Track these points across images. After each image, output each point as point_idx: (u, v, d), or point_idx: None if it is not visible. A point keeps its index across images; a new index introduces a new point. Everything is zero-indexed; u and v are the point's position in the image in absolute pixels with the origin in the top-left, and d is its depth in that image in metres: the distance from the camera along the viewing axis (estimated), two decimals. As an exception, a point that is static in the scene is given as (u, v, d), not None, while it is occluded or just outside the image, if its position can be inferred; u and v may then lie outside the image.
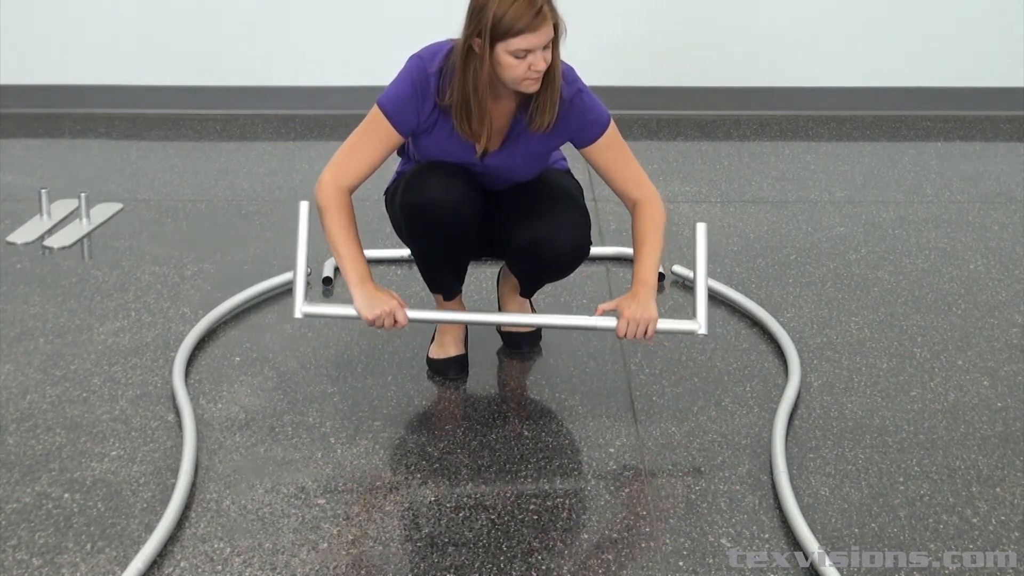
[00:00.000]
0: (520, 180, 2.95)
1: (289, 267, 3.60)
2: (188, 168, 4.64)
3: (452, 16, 2.83)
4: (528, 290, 3.15)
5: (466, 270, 3.07)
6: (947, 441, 2.84)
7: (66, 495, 2.61)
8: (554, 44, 2.70)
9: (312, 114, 5.27)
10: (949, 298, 3.56)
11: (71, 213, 4.11)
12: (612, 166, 2.89)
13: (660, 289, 3.59)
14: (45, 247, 3.87)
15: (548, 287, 3.54)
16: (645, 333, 2.79)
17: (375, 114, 2.80)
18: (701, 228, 2.94)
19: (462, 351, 3.13)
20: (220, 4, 5.20)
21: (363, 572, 2.39)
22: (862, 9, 5.27)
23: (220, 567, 2.39)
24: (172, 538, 2.46)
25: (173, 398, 2.97)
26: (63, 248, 3.87)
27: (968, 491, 2.65)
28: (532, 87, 2.72)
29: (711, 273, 3.65)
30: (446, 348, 3.12)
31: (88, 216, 4.06)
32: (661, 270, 3.64)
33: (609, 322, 2.82)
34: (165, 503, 2.56)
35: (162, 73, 5.26)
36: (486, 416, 2.96)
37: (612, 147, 2.87)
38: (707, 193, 4.41)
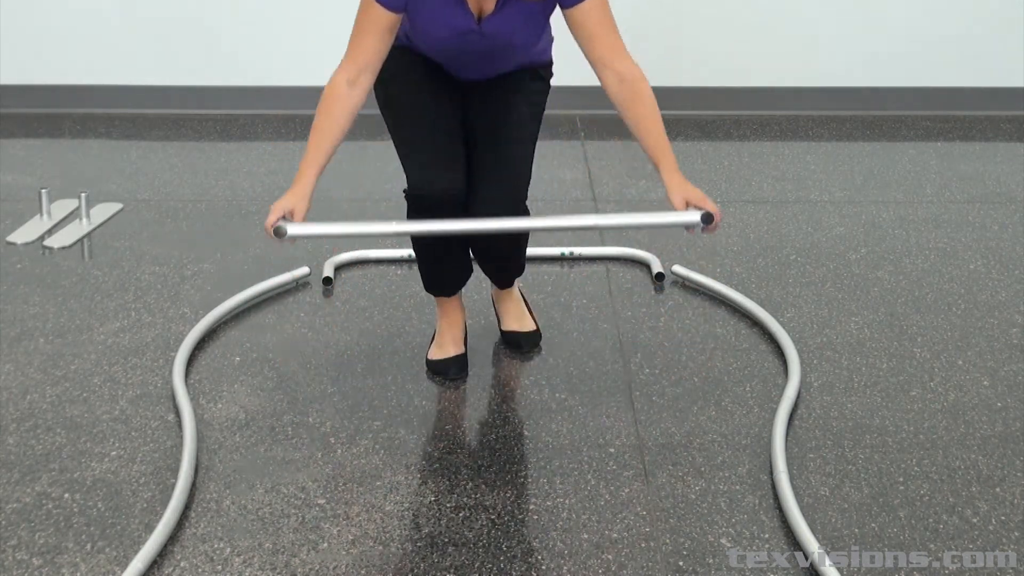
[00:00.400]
0: (520, 45, 2.84)
1: (289, 267, 3.61)
2: (188, 168, 4.64)
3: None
4: (499, 281, 3.15)
5: (471, 265, 3.06)
6: (947, 441, 2.84)
7: (66, 495, 2.61)
8: None
9: (312, 114, 5.24)
10: (949, 298, 3.56)
11: (71, 213, 4.11)
12: (595, 31, 2.74)
13: (660, 289, 3.59)
14: (45, 247, 3.87)
15: (548, 288, 3.54)
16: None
17: (364, 1, 2.72)
18: None
19: (461, 351, 3.13)
20: (220, 4, 5.19)
21: (363, 572, 2.38)
22: (862, 9, 5.27)
23: (220, 567, 2.39)
24: (172, 538, 2.46)
25: (173, 398, 2.97)
26: (63, 248, 3.86)
27: (968, 491, 2.65)
28: None
29: (711, 273, 3.65)
30: (445, 348, 3.11)
31: (88, 216, 4.06)
32: (660, 269, 3.64)
33: (693, 216, 2.72)
34: (165, 503, 2.56)
35: (162, 73, 5.25)
36: (486, 416, 2.96)
37: (599, 8, 2.74)
38: (707, 193, 4.39)
